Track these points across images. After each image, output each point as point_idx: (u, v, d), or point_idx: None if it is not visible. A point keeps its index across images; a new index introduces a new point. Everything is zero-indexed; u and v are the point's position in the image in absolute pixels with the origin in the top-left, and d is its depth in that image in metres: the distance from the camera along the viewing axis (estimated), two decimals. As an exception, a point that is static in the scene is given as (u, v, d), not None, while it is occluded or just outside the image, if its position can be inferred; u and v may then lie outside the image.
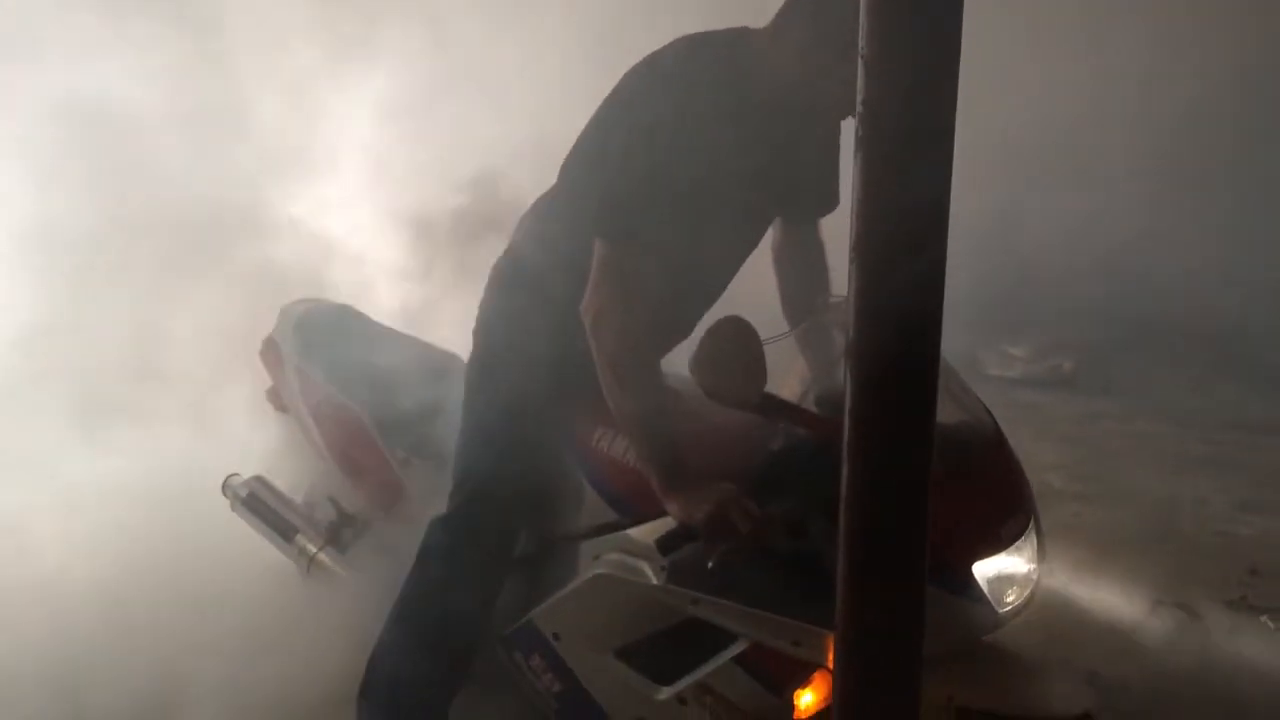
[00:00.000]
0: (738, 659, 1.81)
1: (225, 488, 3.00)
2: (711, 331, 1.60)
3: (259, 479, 2.99)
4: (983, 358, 5.55)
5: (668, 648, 1.90)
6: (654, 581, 1.85)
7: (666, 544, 1.72)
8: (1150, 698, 2.54)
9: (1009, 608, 1.74)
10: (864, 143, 1.12)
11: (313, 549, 2.77)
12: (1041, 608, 1.89)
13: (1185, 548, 3.51)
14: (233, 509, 2.98)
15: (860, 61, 1.10)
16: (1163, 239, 5.39)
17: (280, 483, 3.02)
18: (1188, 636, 2.92)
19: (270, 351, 3.05)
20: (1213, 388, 5.13)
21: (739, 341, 1.59)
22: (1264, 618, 3.06)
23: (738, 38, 1.93)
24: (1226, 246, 5.35)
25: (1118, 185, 5.61)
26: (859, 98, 1.12)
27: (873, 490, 1.27)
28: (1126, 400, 5.05)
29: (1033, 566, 1.78)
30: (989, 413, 1.88)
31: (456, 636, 2.15)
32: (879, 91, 1.11)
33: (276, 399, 3.09)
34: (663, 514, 1.78)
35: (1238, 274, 5.29)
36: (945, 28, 1.08)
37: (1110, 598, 3.07)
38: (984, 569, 1.70)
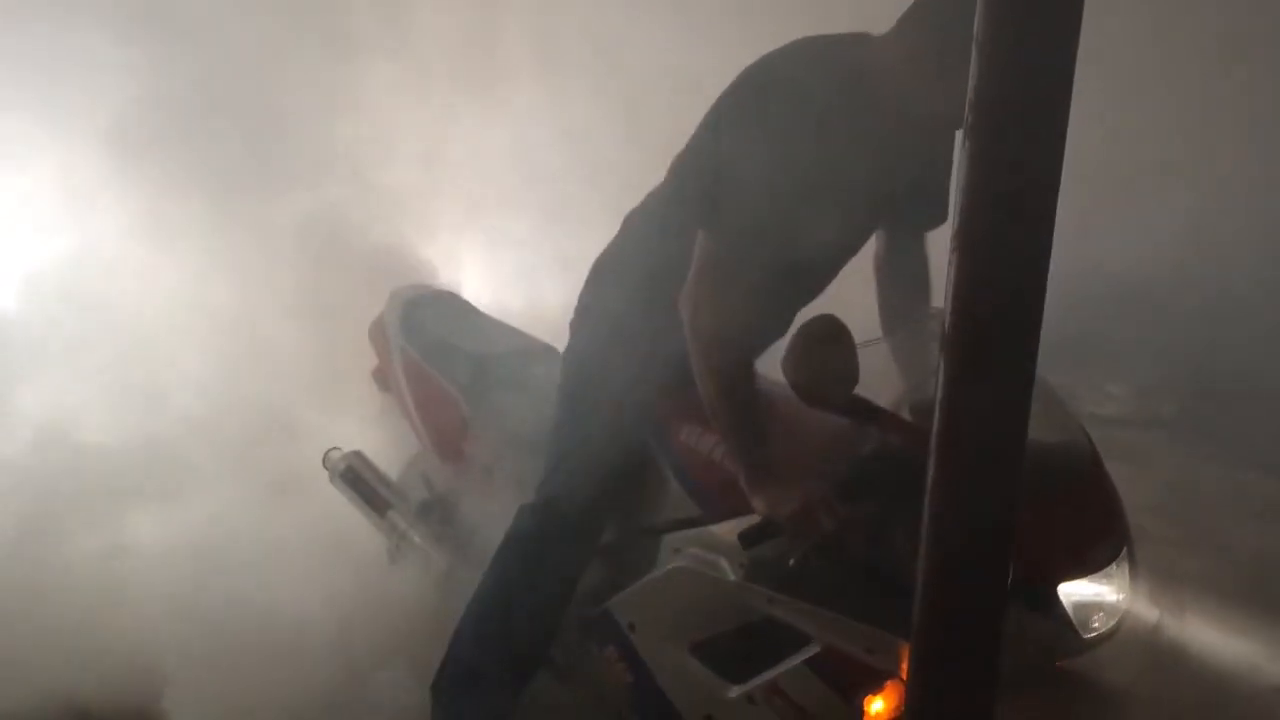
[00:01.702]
0: (810, 662, 1.76)
1: (325, 460, 3.05)
2: (804, 329, 1.57)
3: (357, 454, 3.02)
4: (1079, 394, 5.31)
5: (741, 645, 1.86)
6: (732, 577, 1.81)
7: (750, 537, 1.70)
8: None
9: (1093, 634, 1.67)
10: (973, 130, 1.08)
11: (404, 526, 2.79)
12: (1127, 647, 1.79)
13: (1284, 603, 3.32)
14: (330, 481, 3.02)
15: (975, 47, 1.06)
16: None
17: (378, 460, 3.05)
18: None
19: (378, 333, 3.10)
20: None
21: (831, 341, 1.55)
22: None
23: (857, 41, 1.88)
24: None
25: (1230, 223, 5.36)
26: (970, 84, 1.07)
27: (959, 492, 1.21)
28: (1230, 449, 4.79)
29: (1122, 596, 1.70)
30: (1087, 436, 1.80)
31: (536, 623, 2.14)
32: (992, 78, 1.07)
33: (381, 379, 3.13)
34: (746, 511, 1.76)
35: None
36: (1065, 16, 1.03)
37: (1201, 651, 2.91)
38: (1070, 591, 1.63)
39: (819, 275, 2.07)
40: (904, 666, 1.67)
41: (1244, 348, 5.16)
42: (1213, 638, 2.93)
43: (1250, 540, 3.84)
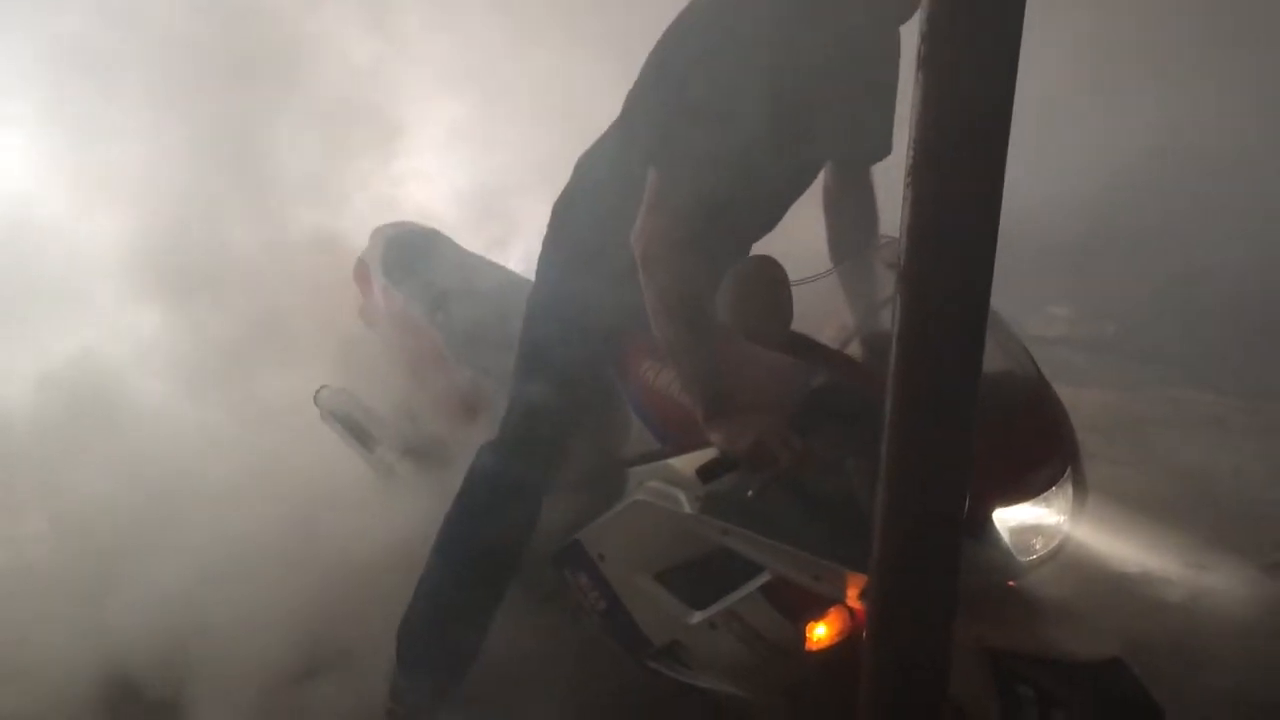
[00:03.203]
0: (763, 589, 1.70)
1: (316, 398, 2.95)
2: (738, 270, 1.50)
3: (347, 391, 2.92)
4: (1023, 315, 5.18)
5: (702, 574, 1.80)
6: (687, 510, 1.73)
7: (708, 472, 1.61)
8: (1176, 654, 2.37)
9: (1033, 557, 1.58)
10: (927, 62, 0.97)
11: (391, 460, 2.69)
12: (1071, 563, 1.72)
13: (1220, 514, 3.25)
14: (322, 419, 2.92)
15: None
16: (1219, 204, 5.03)
17: (367, 397, 2.94)
18: (1216, 598, 2.72)
19: (361, 271, 2.96)
20: (1260, 357, 4.71)
21: (765, 280, 1.49)
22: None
23: None
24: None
25: (1173, 149, 5.25)
26: (922, 15, 0.96)
27: (917, 421, 1.13)
28: (1169, 366, 4.72)
29: (1064, 518, 1.61)
30: (1033, 360, 1.71)
31: (497, 559, 2.05)
32: (943, 9, 0.96)
33: (367, 316, 3.02)
34: (704, 445, 1.66)
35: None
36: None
37: (1141, 560, 2.87)
38: (1006, 516, 1.54)
39: (770, 209, 1.94)
40: (849, 593, 1.62)
41: (1179, 268, 5.09)
42: (1152, 552, 2.91)
43: (1184, 453, 3.80)
